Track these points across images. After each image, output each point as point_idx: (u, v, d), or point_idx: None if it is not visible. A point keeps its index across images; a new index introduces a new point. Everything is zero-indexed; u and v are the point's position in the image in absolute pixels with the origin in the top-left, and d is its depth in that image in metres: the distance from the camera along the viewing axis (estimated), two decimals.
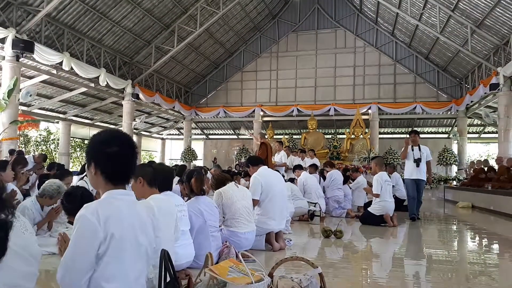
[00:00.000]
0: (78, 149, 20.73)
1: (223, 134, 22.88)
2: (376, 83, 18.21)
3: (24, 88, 10.92)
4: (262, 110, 18.88)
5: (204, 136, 22.88)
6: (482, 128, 19.48)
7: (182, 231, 3.04)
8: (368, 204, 7.35)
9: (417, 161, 7.09)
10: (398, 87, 17.99)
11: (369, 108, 17.55)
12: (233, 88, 19.97)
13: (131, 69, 15.34)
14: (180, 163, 16.31)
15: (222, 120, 20.77)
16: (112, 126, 18.53)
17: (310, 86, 18.88)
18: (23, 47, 9.67)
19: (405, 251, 4.81)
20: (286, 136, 19.28)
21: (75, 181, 5.98)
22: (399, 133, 20.09)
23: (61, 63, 11.33)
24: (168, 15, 14.46)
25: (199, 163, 20.23)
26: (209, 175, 7.04)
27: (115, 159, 1.64)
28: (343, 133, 18.01)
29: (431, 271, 3.63)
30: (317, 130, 17.49)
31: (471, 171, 12.59)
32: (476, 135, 20.06)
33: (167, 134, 23.84)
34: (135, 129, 18.13)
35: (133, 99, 15.09)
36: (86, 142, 16.22)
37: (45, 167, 7.80)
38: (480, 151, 22.88)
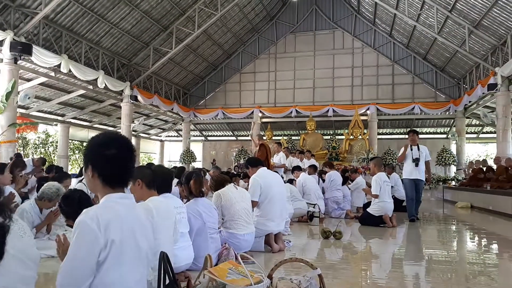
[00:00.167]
0: (76, 152, 20.71)
1: (222, 136, 22.89)
2: (374, 84, 18.23)
3: (22, 90, 10.91)
4: (260, 112, 18.88)
5: (203, 138, 22.87)
6: (480, 128, 19.51)
7: (181, 233, 3.04)
8: (367, 204, 7.35)
9: (416, 161, 7.10)
10: (396, 88, 18.01)
11: (368, 109, 17.58)
12: (232, 90, 19.97)
13: (130, 71, 15.33)
14: (179, 165, 16.28)
15: (220, 122, 20.78)
16: (110, 128, 18.51)
17: (309, 87, 18.90)
18: (21, 49, 9.64)
19: (405, 251, 4.82)
20: (285, 137, 19.33)
21: (74, 183, 5.98)
22: (397, 133, 20.12)
23: (59, 66, 11.30)
24: (166, 16, 14.46)
25: (198, 164, 20.24)
26: (208, 176, 7.04)
27: (113, 161, 1.63)
28: (342, 134, 18.03)
29: (430, 272, 3.63)
30: (316, 131, 17.52)
31: (470, 171, 12.63)
32: (475, 135, 20.10)
33: (166, 136, 23.83)
34: (133, 131, 18.14)
35: (132, 101, 15.08)
36: (84, 144, 16.17)
37: (44, 170, 7.80)
38: (479, 151, 22.95)
